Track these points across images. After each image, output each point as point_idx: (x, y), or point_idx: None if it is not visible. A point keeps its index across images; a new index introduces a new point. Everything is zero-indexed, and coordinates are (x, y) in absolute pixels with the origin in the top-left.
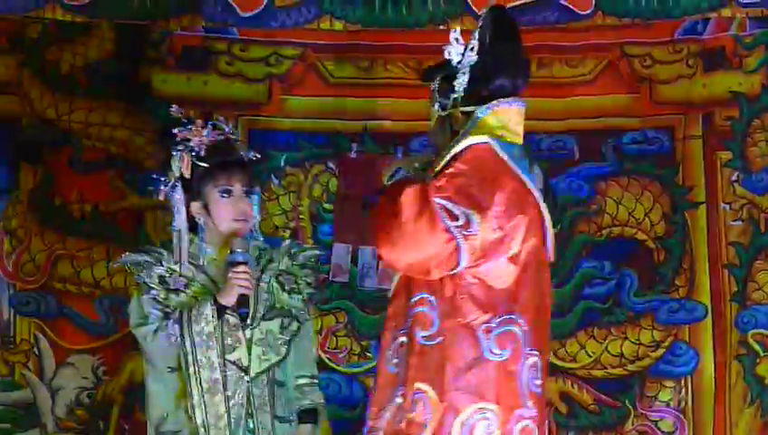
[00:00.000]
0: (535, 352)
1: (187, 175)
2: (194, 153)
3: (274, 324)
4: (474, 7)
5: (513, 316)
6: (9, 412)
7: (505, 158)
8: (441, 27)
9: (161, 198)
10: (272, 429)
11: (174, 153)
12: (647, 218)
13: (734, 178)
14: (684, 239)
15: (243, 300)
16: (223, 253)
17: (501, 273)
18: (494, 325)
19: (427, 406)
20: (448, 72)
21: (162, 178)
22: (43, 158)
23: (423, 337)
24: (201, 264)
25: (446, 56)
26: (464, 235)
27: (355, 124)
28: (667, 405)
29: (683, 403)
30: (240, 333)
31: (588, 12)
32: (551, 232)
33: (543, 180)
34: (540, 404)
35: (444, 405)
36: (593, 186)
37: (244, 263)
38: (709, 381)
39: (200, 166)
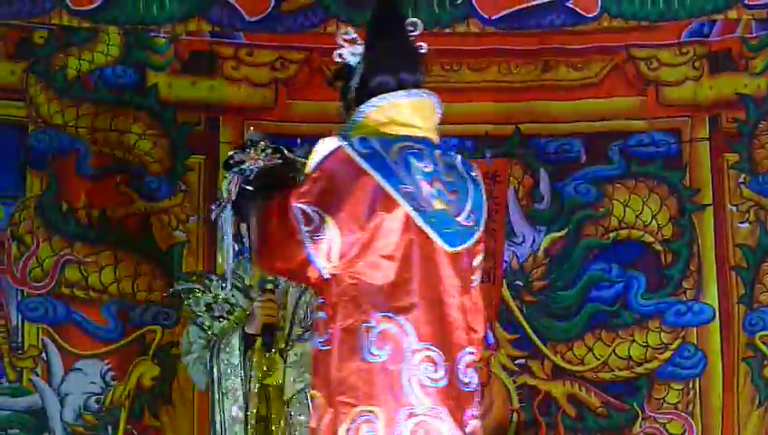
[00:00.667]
0: (428, 346)
1: (233, 197)
2: (244, 176)
3: (309, 346)
4: (480, 11)
5: (389, 314)
6: (18, 418)
7: (357, 159)
8: (447, 31)
9: (212, 217)
10: None
11: (227, 175)
12: (654, 221)
13: (740, 180)
14: (691, 242)
15: (268, 328)
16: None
17: (378, 271)
18: (372, 324)
19: (317, 412)
20: (350, 73)
21: (217, 199)
22: (50, 163)
23: (319, 342)
24: (244, 285)
25: (336, 59)
26: (313, 239)
27: None
28: (675, 407)
29: (690, 405)
30: (277, 358)
31: (594, 14)
32: (461, 226)
33: (549, 183)
34: (439, 398)
35: (331, 411)
36: (600, 188)
37: (272, 290)
38: (717, 384)
39: (247, 189)
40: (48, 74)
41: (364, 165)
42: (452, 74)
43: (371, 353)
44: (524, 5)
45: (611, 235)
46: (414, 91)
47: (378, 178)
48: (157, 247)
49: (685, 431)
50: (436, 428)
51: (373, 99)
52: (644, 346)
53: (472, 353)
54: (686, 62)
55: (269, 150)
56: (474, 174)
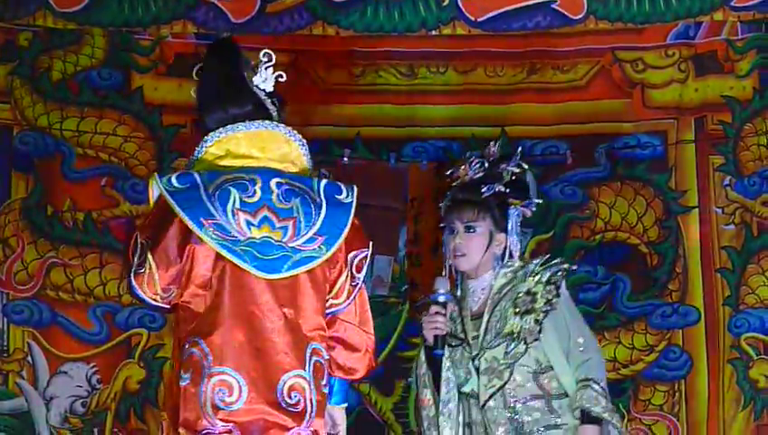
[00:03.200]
0: (225, 371)
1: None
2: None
3: (499, 351)
4: (466, 13)
5: (197, 339)
6: (3, 421)
7: (167, 196)
8: (433, 33)
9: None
10: None
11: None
12: (639, 223)
13: (726, 182)
14: (676, 244)
15: (440, 340)
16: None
17: (197, 299)
18: (186, 349)
19: (164, 433)
20: None
21: None
22: (36, 166)
23: (172, 368)
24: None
25: (193, 94)
26: (135, 272)
27: (347, 130)
28: (661, 409)
29: (676, 407)
30: (470, 365)
31: (580, 16)
32: (295, 250)
33: (536, 185)
34: (233, 420)
35: (171, 433)
36: (586, 191)
37: (443, 304)
38: (703, 385)
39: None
40: (33, 77)
41: (171, 201)
42: (438, 76)
43: (182, 377)
44: (510, 8)
45: (597, 237)
46: (255, 123)
47: (180, 213)
48: None
49: (670, 433)
50: None
51: (212, 133)
52: (630, 348)
53: (298, 377)
54: (671, 65)
55: (477, 164)
56: (340, 197)
